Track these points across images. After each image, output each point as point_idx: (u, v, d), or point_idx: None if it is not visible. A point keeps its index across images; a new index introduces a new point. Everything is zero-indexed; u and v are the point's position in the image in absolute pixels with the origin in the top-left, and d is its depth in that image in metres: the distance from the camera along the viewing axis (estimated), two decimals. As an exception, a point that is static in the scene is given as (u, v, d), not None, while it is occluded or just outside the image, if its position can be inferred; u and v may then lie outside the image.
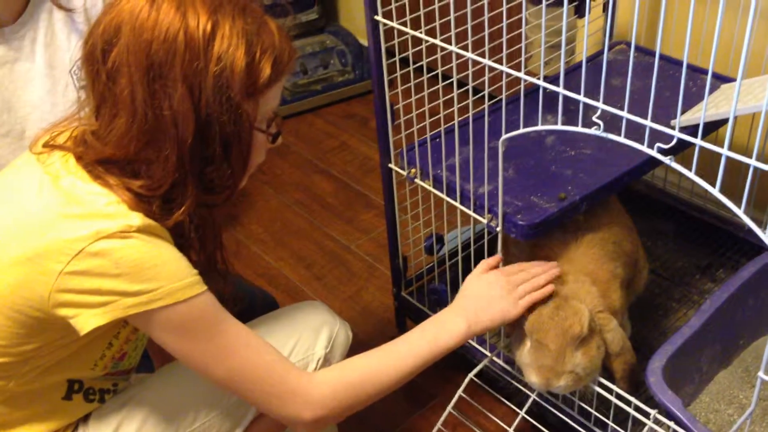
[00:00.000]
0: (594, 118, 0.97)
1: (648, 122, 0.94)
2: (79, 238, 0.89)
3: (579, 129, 1.00)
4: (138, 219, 0.91)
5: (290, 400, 1.01)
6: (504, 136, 1.15)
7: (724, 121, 1.40)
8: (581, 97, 1.00)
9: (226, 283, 1.10)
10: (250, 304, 1.43)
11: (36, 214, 0.92)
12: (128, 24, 0.89)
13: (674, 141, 0.92)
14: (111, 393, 1.14)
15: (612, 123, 1.00)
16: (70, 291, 0.90)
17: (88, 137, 0.95)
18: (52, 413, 1.07)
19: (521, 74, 1.10)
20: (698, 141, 0.89)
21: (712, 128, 1.46)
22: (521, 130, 1.11)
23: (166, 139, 0.90)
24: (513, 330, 1.25)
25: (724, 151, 0.87)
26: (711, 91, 1.50)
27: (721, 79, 1.53)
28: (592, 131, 0.99)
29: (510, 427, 1.27)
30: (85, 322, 0.91)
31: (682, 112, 1.43)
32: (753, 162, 0.85)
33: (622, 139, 0.98)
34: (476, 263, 1.50)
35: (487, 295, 1.16)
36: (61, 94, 1.26)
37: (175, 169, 0.91)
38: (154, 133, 0.90)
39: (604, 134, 0.98)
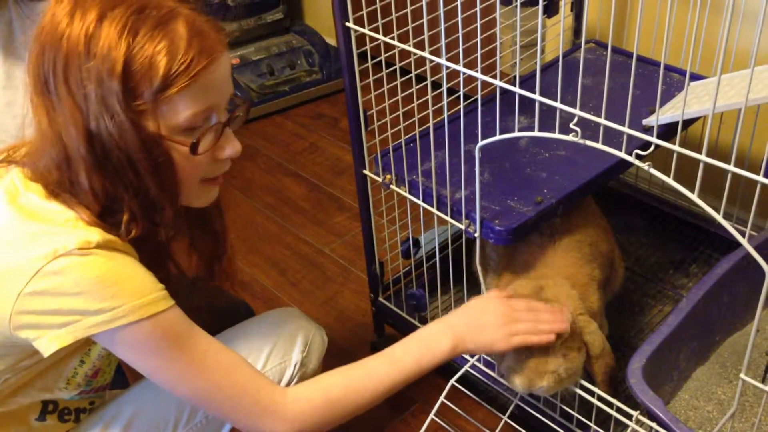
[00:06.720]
0: (571, 125, 0.97)
1: (626, 129, 0.94)
2: (37, 257, 0.86)
3: (557, 136, 1.00)
4: (97, 235, 0.89)
5: (263, 418, 0.99)
6: (479, 144, 1.14)
7: (694, 120, 1.42)
8: (558, 104, 0.99)
9: (221, 298, 1.09)
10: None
11: None
12: (44, 30, 0.87)
13: (652, 147, 0.92)
14: (87, 412, 1.11)
15: (588, 125, 1.00)
16: (30, 312, 0.87)
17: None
18: None
19: (497, 81, 1.09)
20: (677, 148, 0.89)
21: (684, 126, 1.47)
22: (497, 137, 1.10)
23: (70, 157, 0.88)
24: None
25: (703, 158, 0.87)
26: (680, 91, 1.51)
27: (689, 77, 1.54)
28: (570, 138, 0.99)
29: (493, 431, 1.27)
30: (48, 343, 0.88)
31: (651, 112, 1.43)
32: (732, 168, 0.85)
33: (600, 146, 0.98)
34: (454, 265, 1.50)
35: (483, 320, 1.12)
36: (20, 106, 1.22)
37: (90, 184, 0.89)
38: (60, 150, 0.88)
39: (582, 141, 0.98)
